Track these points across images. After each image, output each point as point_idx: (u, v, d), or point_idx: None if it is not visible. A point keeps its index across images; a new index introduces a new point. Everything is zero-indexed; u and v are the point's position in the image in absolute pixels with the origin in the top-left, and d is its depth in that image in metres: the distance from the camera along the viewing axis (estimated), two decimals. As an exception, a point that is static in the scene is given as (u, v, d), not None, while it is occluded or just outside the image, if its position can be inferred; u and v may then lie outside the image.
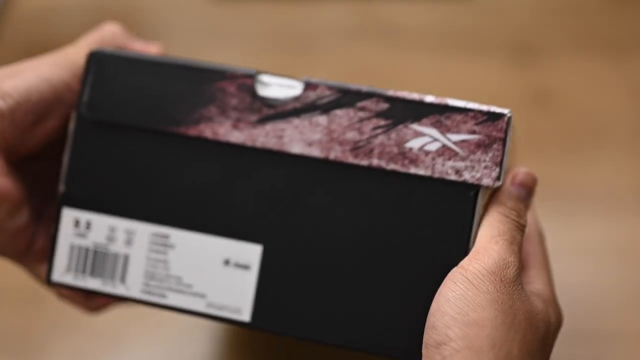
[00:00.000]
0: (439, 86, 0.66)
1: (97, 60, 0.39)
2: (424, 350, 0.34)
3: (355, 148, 0.37)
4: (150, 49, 0.44)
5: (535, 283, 0.38)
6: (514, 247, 0.36)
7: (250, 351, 0.54)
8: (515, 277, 0.35)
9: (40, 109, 0.40)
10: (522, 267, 0.39)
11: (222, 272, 0.39)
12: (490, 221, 0.37)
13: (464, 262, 0.35)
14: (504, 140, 0.36)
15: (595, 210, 0.60)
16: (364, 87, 0.37)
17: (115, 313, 0.56)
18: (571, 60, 0.66)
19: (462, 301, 0.33)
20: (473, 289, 0.33)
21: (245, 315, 0.38)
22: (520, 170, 0.39)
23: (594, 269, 0.56)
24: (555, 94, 0.56)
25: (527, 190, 0.39)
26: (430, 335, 0.34)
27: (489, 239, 0.36)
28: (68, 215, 0.40)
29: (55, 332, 0.56)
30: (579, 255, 0.58)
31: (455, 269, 0.35)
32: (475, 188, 0.36)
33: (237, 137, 0.38)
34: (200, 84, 0.38)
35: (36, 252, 0.42)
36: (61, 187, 0.40)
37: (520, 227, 0.37)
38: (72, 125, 0.40)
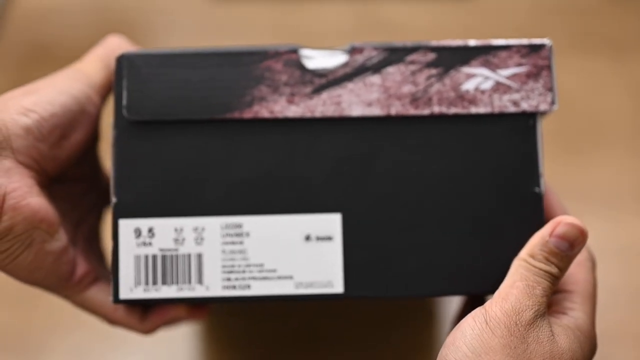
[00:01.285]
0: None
1: (127, 63, 0.38)
2: None
3: (415, 100, 0.38)
4: None
5: (575, 311, 0.37)
6: (536, 291, 0.35)
7: (251, 351, 0.53)
8: (532, 320, 0.34)
9: (66, 122, 0.38)
10: (567, 292, 0.38)
11: (304, 249, 0.38)
12: (516, 267, 0.36)
13: (487, 304, 0.35)
14: (549, 67, 0.38)
15: (595, 210, 0.59)
16: (409, 42, 0.39)
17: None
18: (571, 60, 0.65)
19: (477, 341, 0.33)
20: (489, 331, 0.34)
21: (338, 287, 0.38)
22: (564, 220, 0.36)
23: None
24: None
25: (569, 244, 0.36)
26: None
27: (511, 284, 0.35)
28: (126, 226, 0.38)
29: (56, 331, 0.53)
30: None
31: (478, 309, 0.35)
32: (533, 116, 0.38)
33: (294, 111, 0.38)
34: (245, 67, 0.38)
35: (78, 279, 0.39)
36: (113, 199, 0.38)
37: (550, 275, 0.36)
38: (113, 133, 0.38)
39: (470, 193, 0.38)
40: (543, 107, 0.38)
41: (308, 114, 0.38)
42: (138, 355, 0.52)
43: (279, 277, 0.38)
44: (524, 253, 0.36)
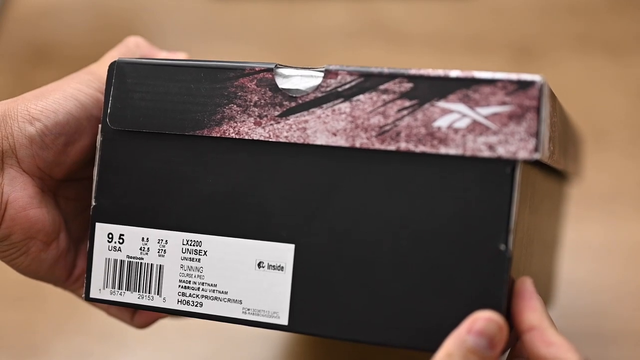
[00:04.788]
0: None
1: (117, 70, 0.39)
2: None
3: (381, 133, 0.35)
4: (174, 57, 0.43)
5: None
6: None
7: (253, 352, 0.53)
8: None
9: (70, 129, 0.39)
10: None
11: (256, 275, 0.37)
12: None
13: None
14: (537, 110, 0.33)
15: (596, 209, 0.59)
16: (386, 69, 0.36)
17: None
18: (571, 60, 0.66)
19: None
20: None
21: (283, 319, 0.37)
22: (482, 315, 0.33)
23: (595, 268, 0.57)
24: (555, 94, 0.58)
25: (489, 341, 0.32)
26: None
27: None
28: (101, 229, 0.39)
29: (57, 332, 0.56)
30: (580, 254, 0.58)
31: None
32: (511, 163, 0.34)
33: (260, 133, 0.37)
34: (220, 83, 0.38)
35: (75, 278, 0.42)
36: (93, 202, 0.40)
37: None
38: (99, 138, 0.39)
39: (429, 240, 0.35)
40: (522, 154, 0.34)
41: (273, 138, 0.37)
42: (139, 357, 0.54)
43: (229, 300, 0.37)
44: (440, 354, 0.33)
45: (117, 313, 0.43)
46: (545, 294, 0.50)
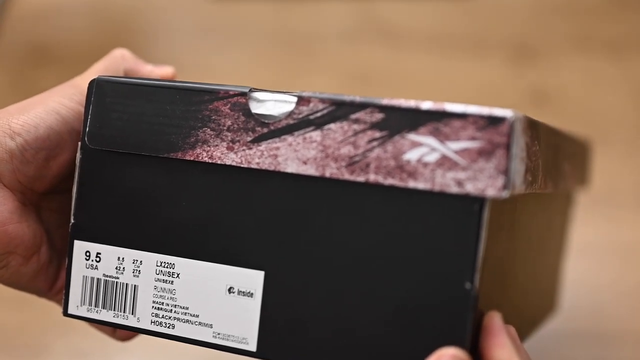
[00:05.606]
0: (438, 86, 0.65)
1: (96, 88, 0.39)
2: None
3: (351, 164, 0.35)
4: (159, 71, 0.43)
5: None
6: None
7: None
8: None
9: (51, 143, 0.39)
10: None
11: (226, 300, 0.37)
12: None
13: None
14: (507, 146, 0.33)
15: (595, 208, 0.60)
16: (358, 98, 0.35)
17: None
18: (570, 60, 0.66)
19: None
20: None
21: (252, 345, 0.37)
22: (446, 352, 0.33)
23: (594, 268, 0.58)
24: (554, 94, 0.59)
25: None
26: None
27: None
28: (79, 247, 0.40)
29: (58, 332, 0.56)
30: (579, 254, 0.58)
31: None
32: (480, 201, 0.33)
33: (232, 159, 0.37)
34: (195, 106, 0.37)
35: (60, 288, 0.42)
36: (71, 219, 0.40)
37: None
38: (78, 156, 0.40)
39: (397, 273, 0.34)
40: (490, 192, 0.33)
41: (245, 164, 0.36)
42: (138, 358, 0.55)
43: (200, 324, 0.38)
44: None
45: (100, 327, 0.43)
46: (546, 307, 0.49)
